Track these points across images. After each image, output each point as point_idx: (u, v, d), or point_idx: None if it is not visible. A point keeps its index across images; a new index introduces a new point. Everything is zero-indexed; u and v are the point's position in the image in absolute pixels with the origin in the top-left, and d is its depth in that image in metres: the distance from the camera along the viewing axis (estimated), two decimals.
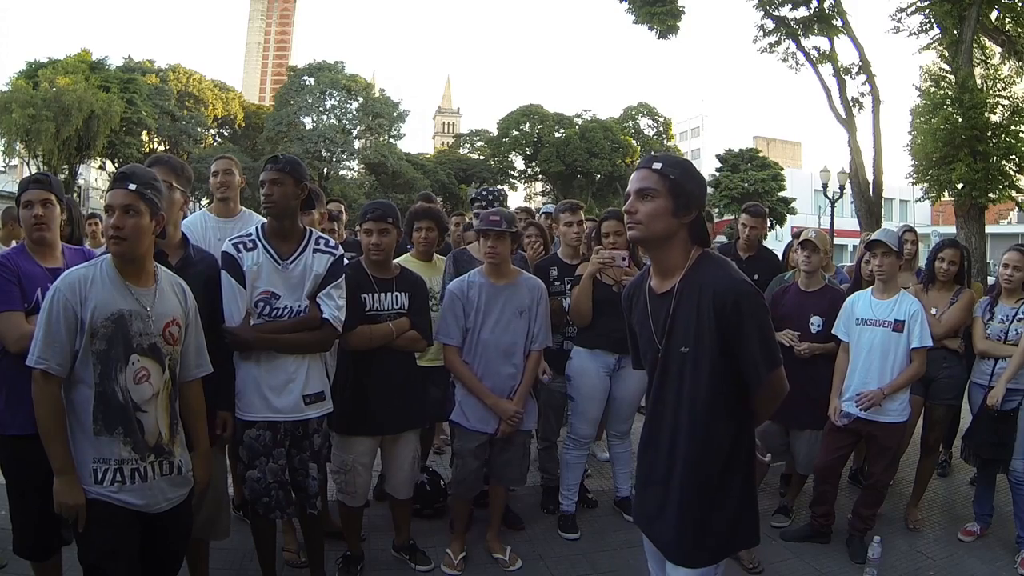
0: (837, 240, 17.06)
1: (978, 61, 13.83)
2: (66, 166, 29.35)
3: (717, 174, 33.94)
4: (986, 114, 12.21)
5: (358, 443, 2.84)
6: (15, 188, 2.57)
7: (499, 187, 4.57)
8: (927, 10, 13.39)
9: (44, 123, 27.13)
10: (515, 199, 43.20)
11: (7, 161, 31.77)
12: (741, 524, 1.74)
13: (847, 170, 16.55)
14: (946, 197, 13.57)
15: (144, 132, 34.89)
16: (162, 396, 1.95)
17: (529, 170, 43.36)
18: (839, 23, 15.28)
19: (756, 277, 3.44)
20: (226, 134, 42.39)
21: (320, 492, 2.70)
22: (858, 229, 15.40)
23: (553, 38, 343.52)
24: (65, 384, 1.87)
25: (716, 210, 31.13)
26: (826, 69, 15.67)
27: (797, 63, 16.43)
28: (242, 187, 3.35)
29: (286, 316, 2.49)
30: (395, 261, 3.06)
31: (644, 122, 43.72)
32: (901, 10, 14.01)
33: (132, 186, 1.90)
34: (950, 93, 12.52)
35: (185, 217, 2.92)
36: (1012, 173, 12.40)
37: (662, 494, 1.76)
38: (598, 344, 3.44)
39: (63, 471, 1.83)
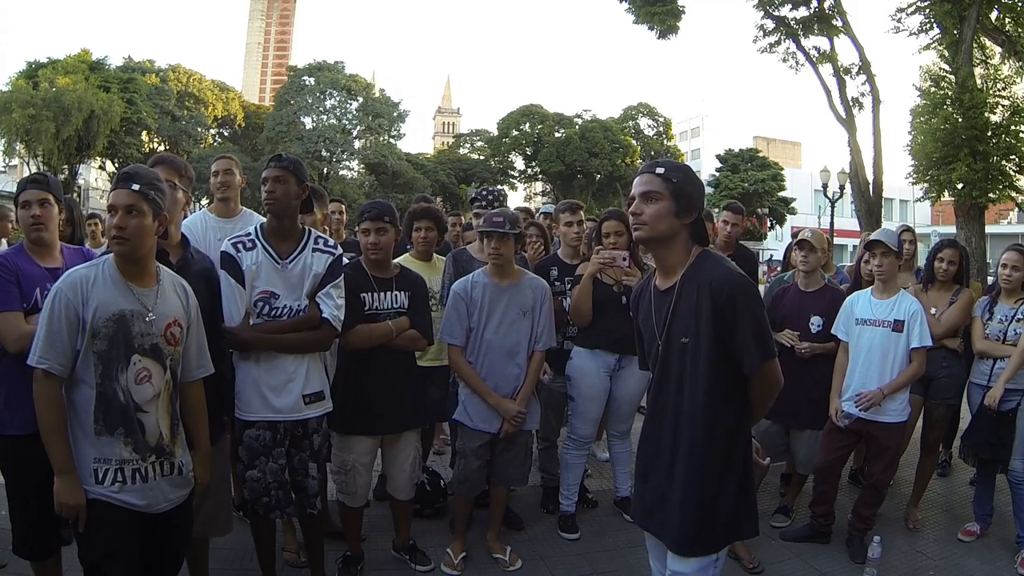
0: (837, 240, 17.07)
1: (978, 61, 13.83)
2: (66, 166, 29.37)
3: (717, 174, 33.96)
4: (986, 114, 12.20)
5: (358, 443, 2.84)
6: (15, 188, 2.57)
7: (499, 187, 4.58)
8: (927, 10, 13.38)
9: (44, 123, 27.15)
10: (515, 199, 43.23)
11: (7, 161, 31.78)
12: (742, 511, 1.82)
13: (847, 170, 16.55)
14: (946, 197, 13.56)
15: (144, 132, 34.91)
16: (163, 396, 1.95)
17: (529, 170, 43.37)
18: (839, 23, 15.27)
19: None
20: (226, 134, 42.40)
21: (320, 492, 2.70)
22: (858, 229, 15.40)
23: (553, 38, 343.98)
24: (66, 384, 1.86)
25: (716, 210, 31.10)
26: (826, 69, 15.67)
27: (797, 63, 16.43)
28: (242, 187, 3.35)
29: (285, 316, 2.49)
30: (394, 261, 3.06)
31: (644, 122, 43.75)
32: (901, 10, 14.01)
33: (135, 186, 1.90)
34: (950, 93, 12.52)
35: (185, 217, 2.92)
36: (1012, 173, 12.40)
37: (664, 483, 1.84)
38: (598, 344, 3.45)
39: (64, 471, 1.83)
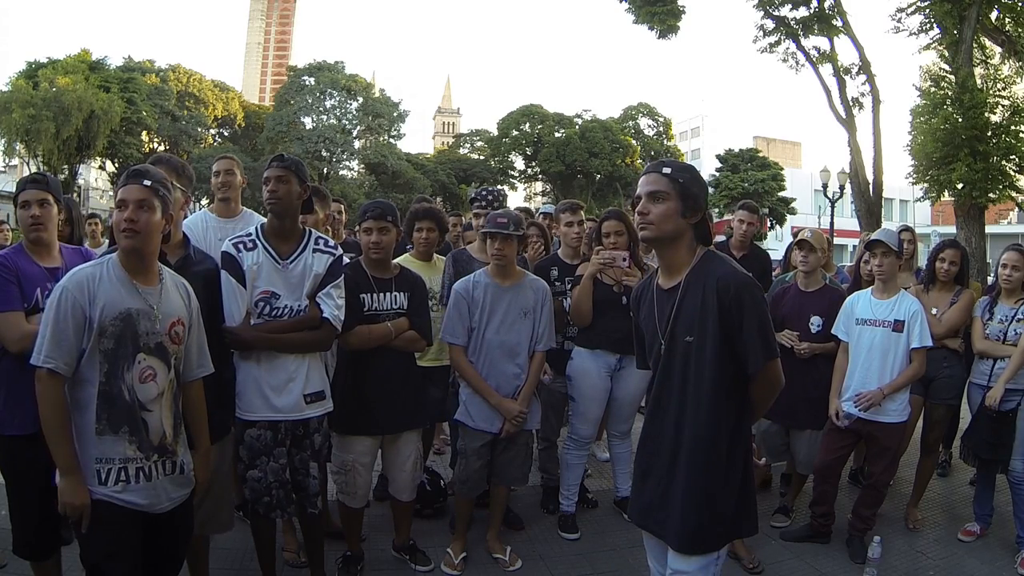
0: (837, 240, 17.04)
1: (978, 61, 13.83)
2: (66, 166, 29.38)
3: (717, 174, 33.95)
4: (986, 114, 12.21)
5: (358, 443, 2.84)
6: (14, 188, 2.57)
7: (499, 187, 4.58)
8: (927, 10, 13.39)
9: (44, 123, 27.16)
10: (515, 199, 43.20)
11: (7, 161, 31.81)
12: (744, 508, 1.83)
13: (847, 170, 16.56)
14: (946, 197, 13.58)
15: (144, 132, 34.94)
16: (167, 396, 1.95)
17: (529, 170, 43.35)
18: (839, 23, 15.27)
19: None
20: (226, 134, 42.41)
21: (320, 492, 2.70)
22: (858, 229, 15.40)
23: (553, 38, 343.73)
24: (69, 384, 1.86)
25: (716, 210, 31.15)
26: (826, 69, 15.67)
27: (797, 63, 16.43)
28: (243, 187, 3.35)
29: (286, 316, 2.49)
30: (395, 261, 3.06)
31: (644, 122, 43.72)
32: (901, 10, 14.02)
33: (147, 182, 1.93)
34: (950, 93, 12.53)
35: (186, 217, 2.92)
36: (1012, 173, 12.41)
37: (666, 481, 1.84)
38: (599, 344, 3.45)
39: (68, 471, 1.82)
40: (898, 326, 3.23)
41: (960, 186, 12.06)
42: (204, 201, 24.69)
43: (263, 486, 2.48)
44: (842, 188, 19.13)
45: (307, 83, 40.56)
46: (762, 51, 16.73)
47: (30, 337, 2.09)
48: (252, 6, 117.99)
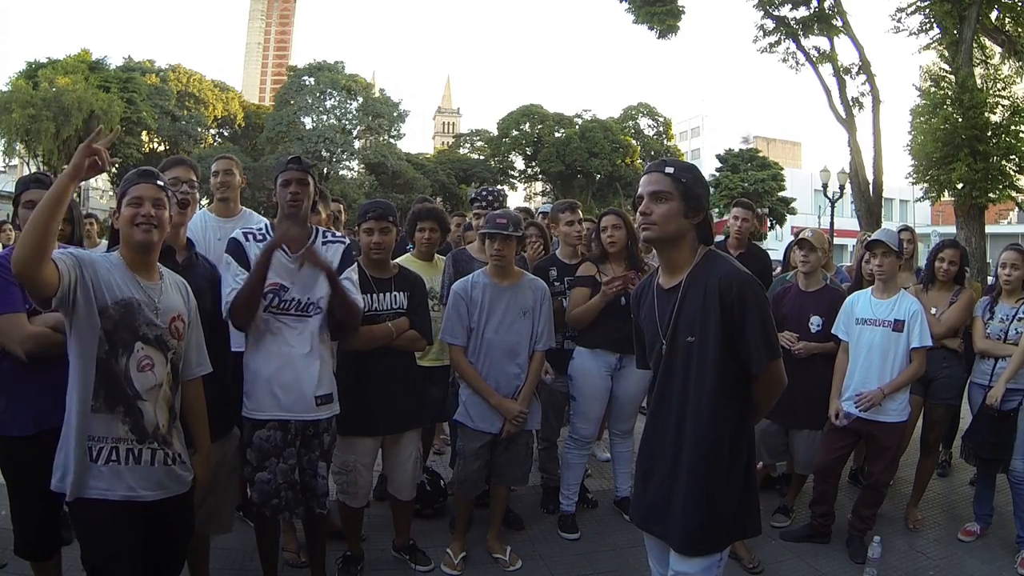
0: (837, 240, 17.04)
1: (978, 61, 13.82)
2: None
3: (717, 174, 33.92)
4: (986, 114, 12.20)
5: (359, 443, 2.84)
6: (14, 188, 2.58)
7: (499, 187, 4.59)
8: (927, 10, 13.37)
9: (44, 123, 27.15)
10: (515, 199, 43.12)
11: (7, 161, 31.77)
12: (747, 508, 1.81)
13: (847, 170, 16.54)
14: (946, 197, 13.56)
15: (144, 132, 34.87)
16: (164, 388, 1.96)
17: (529, 170, 43.30)
18: (839, 23, 15.27)
19: None
20: (226, 134, 42.35)
21: (328, 492, 2.70)
22: (858, 229, 15.39)
23: (553, 38, 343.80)
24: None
25: (716, 210, 31.14)
26: (826, 69, 15.66)
27: (797, 63, 16.42)
28: (242, 187, 3.36)
29: (294, 308, 2.50)
30: (395, 261, 3.07)
31: (644, 122, 43.65)
32: (901, 10, 14.01)
33: (160, 182, 2.03)
34: (950, 93, 12.52)
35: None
36: (1012, 173, 12.40)
37: (668, 482, 1.83)
38: (600, 344, 3.45)
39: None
40: (898, 326, 3.23)
41: (960, 186, 12.05)
42: (204, 201, 24.67)
43: (272, 488, 2.46)
44: (842, 188, 19.12)
45: (307, 83, 40.50)
46: (762, 51, 16.73)
47: (34, 338, 2.09)
48: (252, 6, 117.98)
